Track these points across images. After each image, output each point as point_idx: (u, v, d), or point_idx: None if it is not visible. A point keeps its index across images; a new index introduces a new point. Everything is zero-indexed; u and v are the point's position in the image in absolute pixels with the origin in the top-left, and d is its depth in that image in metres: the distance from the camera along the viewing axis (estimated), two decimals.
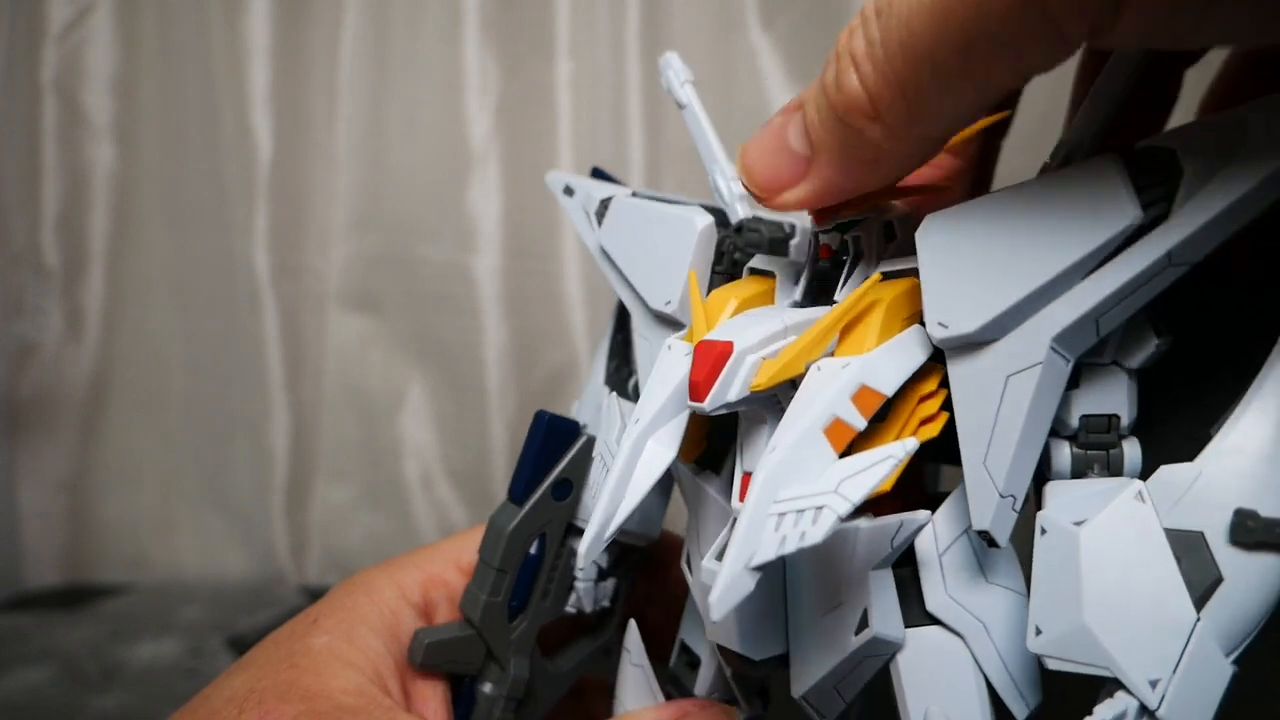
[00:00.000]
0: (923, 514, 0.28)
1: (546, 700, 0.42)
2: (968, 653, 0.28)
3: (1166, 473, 0.26)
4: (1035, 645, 0.25)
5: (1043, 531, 0.26)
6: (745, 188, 0.29)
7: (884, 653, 0.29)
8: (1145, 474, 0.26)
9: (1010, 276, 0.25)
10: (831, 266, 0.33)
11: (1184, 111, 0.37)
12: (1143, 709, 0.24)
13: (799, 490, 0.24)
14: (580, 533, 0.39)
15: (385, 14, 0.77)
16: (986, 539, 0.27)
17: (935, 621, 0.28)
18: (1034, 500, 0.28)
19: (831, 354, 0.28)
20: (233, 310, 0.82)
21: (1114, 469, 0.27)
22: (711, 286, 0.35)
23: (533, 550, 0.39)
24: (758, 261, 0.34)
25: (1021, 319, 0.25)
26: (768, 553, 0.23)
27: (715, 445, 0.36)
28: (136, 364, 0.85)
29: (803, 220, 0.36)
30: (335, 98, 0.79)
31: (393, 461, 0.82)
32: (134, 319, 0.84)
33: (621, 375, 0.42)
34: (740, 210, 0.37)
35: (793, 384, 0.27)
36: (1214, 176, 0.23)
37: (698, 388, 0.27)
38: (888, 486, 0.24)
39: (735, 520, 0.29)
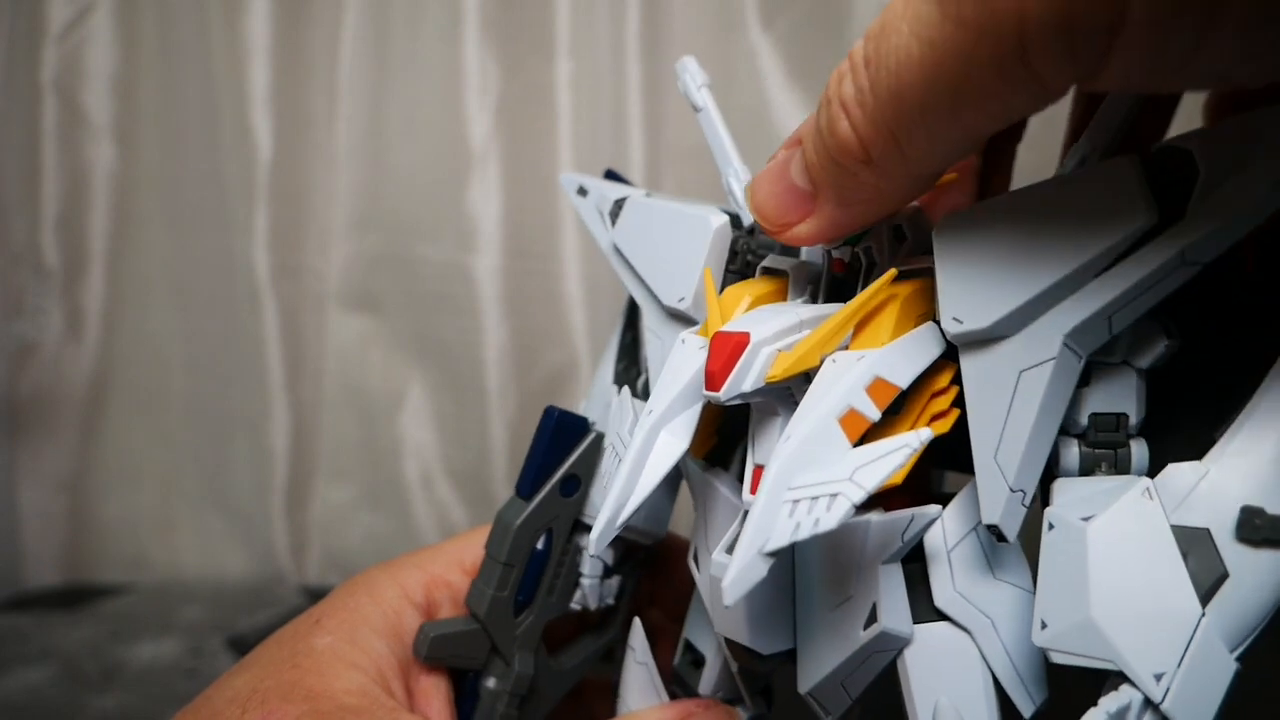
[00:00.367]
0: (934, 508, 0.28)
1: (550, 697, 0.42)
2: (975, 648, 0.28)
3: (1174, 470, 0.26)
4: (1041, 639, 0.26)
5: (1050, 527, 0.26)
6: (757, 222, 0.30)
7: (892, 648, 0.29)
8: (1152, 473, 0.27)
9: (1025, 273, 0.25)
10: (846, 277, 0.33)
11: (1187, 114, 0.37)
12: (1147, 703, 0.24)
13: (813, 477, 0.25)
14: (587, 529, 0.39)
15: (385, 14, 0.77)
16: (995, 533, 0.27)
17: (943, 617, 0.29)
18: (1041, 498, 0.28)
19: (846, 348, 0.28)
20: (233, 310, 0.82)
21: (1121, 468, 0.28)
22: (724, 285, 0.35)
23: (539, 546, 0.39)
24: (770, 261, 0.35)
25: (1035, 315, 0.26)
26: (781, 538, 0.24)
27: (725, 442, 0.36)
28: (136, 364, 0.84)
29: None
30: (335, 98, 0.79)
31: (393, 461, 0.82)
32: (134, 319, 0.84)
33: (630, 375, 0.42)
34: None
35: (806, 377, 0.28)
36: (1229, 178, 0.23)
37: (713, 377, 0.27)
38: (900, 478, 0.24)
39: (744, 514, 0.29)
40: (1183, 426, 0.28)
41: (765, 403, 0.30)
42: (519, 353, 0.79)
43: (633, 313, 0.42)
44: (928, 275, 0.28)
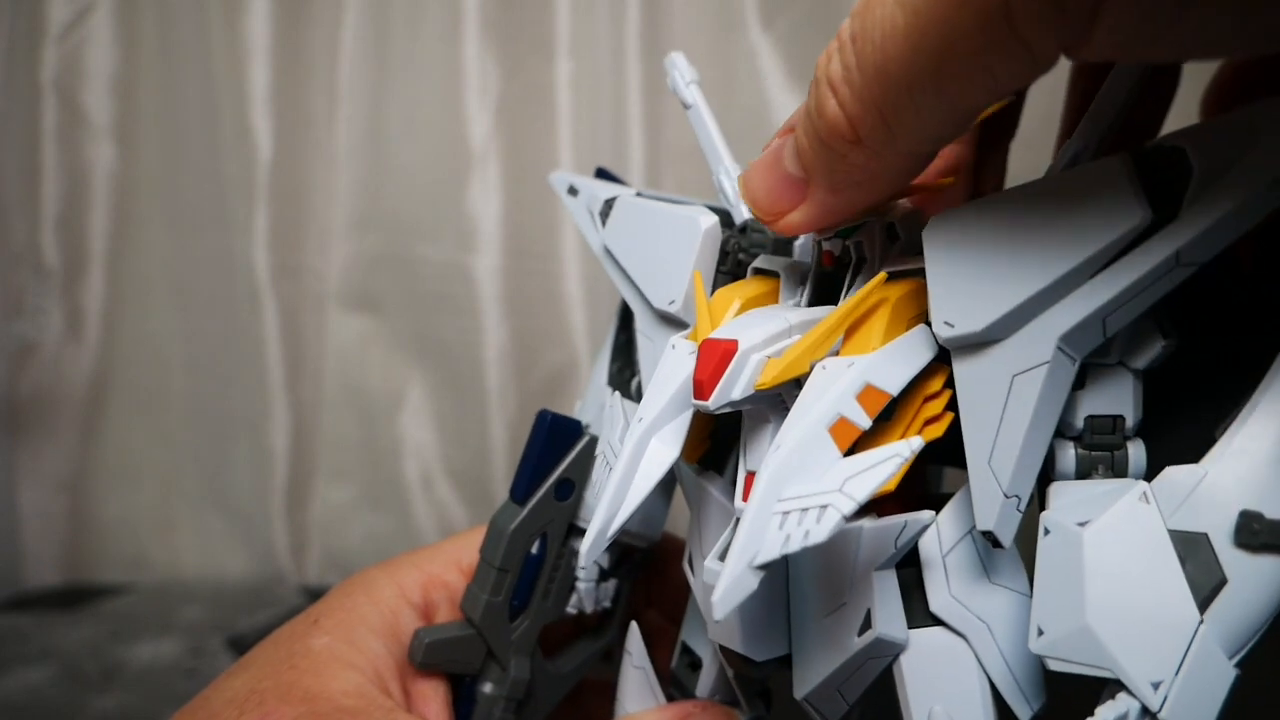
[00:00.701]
0: (927, 514, 0.28)
1: (547, 701, 0.42)
2: (971, 654, 0.28)
3: (1171, 474, 0.26)
4: (1037, 646, 0.25)
5: (1046, 532, 0.26)
6: (750, 211, 0.30)
7: (887, 654, 0.29)
8: (1150, 476, 0.26)
9: (1017, 275, 0.25)
10: (835, 271, 0.32)
11: (1183, 111, 0.37)
12: (1144, 710, 0.23)
13: (803, 489, 0.24)
14: (582, 533, 0.39)
15: (385, 14, 0.77)
16: (990, 540, 0.27)
17: (939, 622, 0.28)
18: (1037, 501, 0.28)
19: (836, 353, 0.28)
20: (233, 310, 0.82)
21: (1119, 470, 0.27)
22: (716, 286, 0.35)
23: (534, 550, 0.39)
24: (762, 261, 0.34)
25: (1028, 318, 0.25)
26: (771, 551, 0.23)
27: (719, 445, 0.36)
28: (136, 364, 0.84)
29: None
30: (335, 98, 0.79)
31: (393, 461, 0.82)
32: (134, 319, 0.84)
33: (624, 376, 0.42)
34: (744, 210, 0.37)
35: (797, 383, 0.27)
36: (1224, 176, 0.23)
37: (701, 386, 0.27)
38: (892, 486, 0.24)
39: (737, 520, 0.29)
40: (1181, 428, 0.27)
41: (756, 410, 0.29)
42: (519, 353, 0.79)
43: (627, 313, 0.42)
44: (920, 276, 0.28)
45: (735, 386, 0.27)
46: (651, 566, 0.44)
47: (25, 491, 0.84)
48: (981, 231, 0.26)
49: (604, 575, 0.41)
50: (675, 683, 0.39)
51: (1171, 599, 0.24)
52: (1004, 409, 0.26)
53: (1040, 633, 0.25)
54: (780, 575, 0.31)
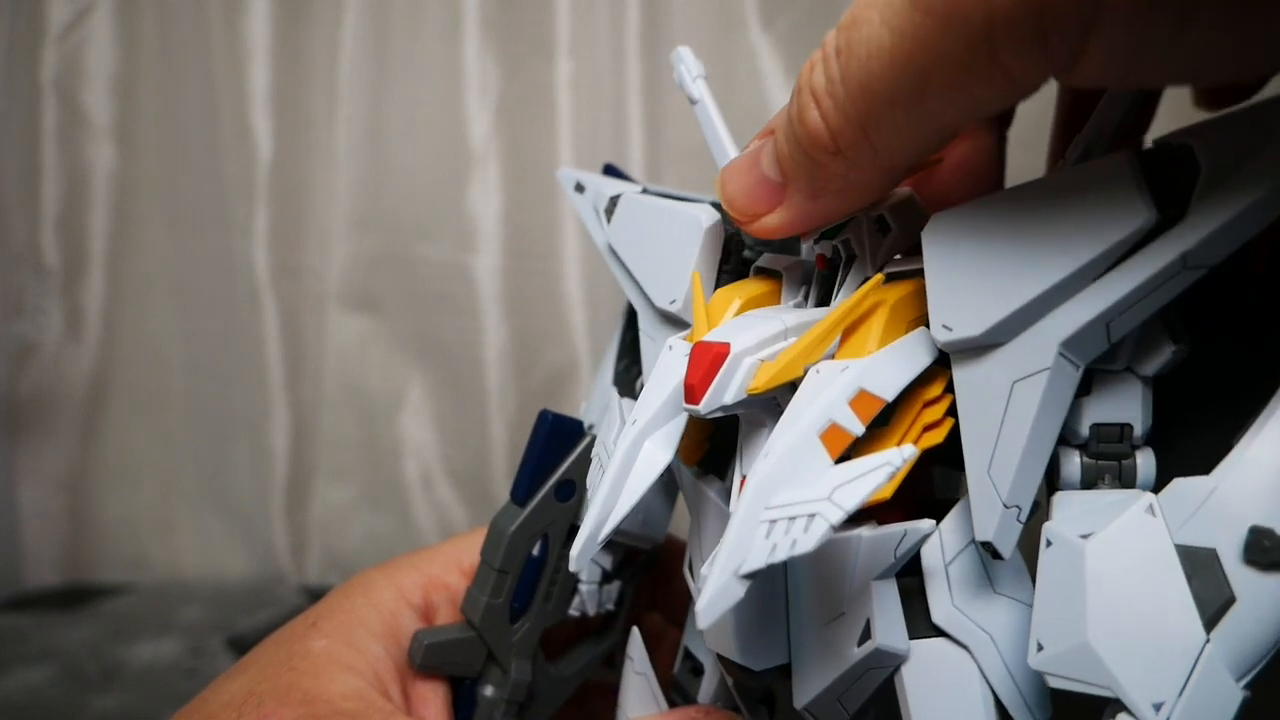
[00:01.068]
0: (927, 524, 0.27)
1: (549, 704, 0.42)
2: (974, 666, 0.27)
3: (1180, 485, 0.25)
4: (1036, 661, 0.25)
5: (1048, 544, 0.25)
6: (726, 211, 0.29)
7: (888, 664, 0.28)
8: (1159, 486, 0.25)
9: (1017, 278, 0.24)
10: (830, 273, 0.32)
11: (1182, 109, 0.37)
12: None
13: (792, 496, 0.24)
14: None
15: (385, 14, 0.77)
16: (990, 551, 0.26)
17: (941, 633, 0.28)
18: (1045, 510, 0.27)
19: (832, 357, 0.27)
20: (233, 310, 0.82)
21: (1126, 480, 0.26)
22: (719, 285, 0.34)
23: (536, 552, 0.39)
24: (765, 260, 0.34)
25: (1029, 323, 0.25)
26: (758, 561, 0.23)
27: (719, 448, 0.36)
28: (136, 364, 0.84)
29: None
30: (335, 98, 0.79)
31: (393, 461, 0.82)
32: (134, 319, 0.84)
33: (630, 375, 0.42)
34: None
35: (792, 387, 0.27)
36: (1233, 175, 0.22)
37: (692, 390, 0.27)
38: (888, 494, 0.23)
39: None
40: (1196, 437, 0.26)
41: (752, 413, 0.29)
42: (519, 353, 0.79)
43: (633, 311, 0.41)
44: (920, 277, 0.27)
45: (727, 391, 0.27)
46: (656, 569, 0.44)
47: (25, 491, 0.84)
48: (982, 232, 0.25)
49: (607, 578, 0.41)
50: (677, 688, 0.38)
51: (1176, 616, 0.23)
52: (1004, 416, 0.25)
53: (1040, 648, 0.24)
54: (779, 583, 0.31)
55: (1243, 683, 0.23)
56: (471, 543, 0.40)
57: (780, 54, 0.70)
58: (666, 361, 0.30)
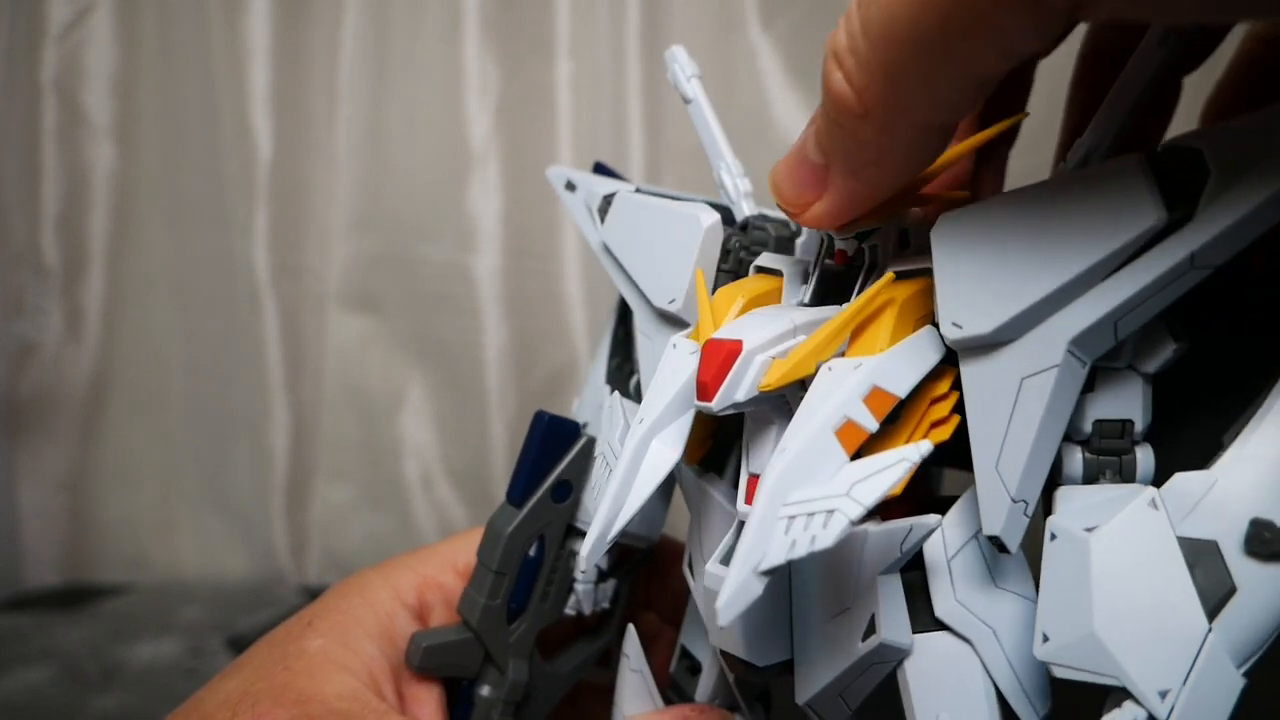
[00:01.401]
0: (933, 518, 0.27)
1: (546, 702, 0.42)
2: (976, 659, 0.27)
3: (1181, 480, 0.25)
4: (1042, 652, 0.25)
5: (1053, 537, 0.26)
6: (780, 208, 0.29)
7: (891, 659, 0.28)
8: (1158, 481, 0.26)
9: (1028, 277, 0.25)
10: (845, 271, 0.32)
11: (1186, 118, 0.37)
12: (1151, 719, 0.23)
13: (809, 493, 0.24)
14: (580, 534, 0.39)
15: (385, 14, 0.77)
16: (997, 544, 0.26)
17: (943, 627, 0.28)
18: (1043, 506, 0.27)
19: (842, 354, 0.27)
20: (233, 310, 0.82)
21: (1126, 475, 0.27)
22: (717, 285, 0.35)
23: (532, 552, 0.39)
24: (765, 259, 0.34)
25: (1038, 320, 0.25)
26: (777, 556, 0.23)
27: (719, 447, 0.36)
28: (136, 364, 0.84)
29: None
30: (335, 98, 0.79)
31: (393, 461, 0.82)
32: (134, 319, 0.84)
33: (624, 372, 0.42)
34: (745, 207, 0.37)
35: (801, 385, 0.27)
36: (1241, 178, 0.22)
37: (705, 387, 0.27)
38: (899, 490, 0.24)
39: (739, 524, 0.29)
40: (1190, 433, 0.27)
41: (760, 411, 0.29)
42: (519, 353, 0.79)
43: (626, 308, 0.41)
44: (927, 276, 0.28)
45: (739, 388, 0.27)
46: (650, 568, 0.44)
47: (25, 491, 0.84)
48: (992, 231, 0.25)
49: (602, 576, 0.41)
50: (674, 686, 0.38)
51: (1180, 607, 0.23)
52: (1012, 412, 0.25)
53: (1045, 639, 0.25)
54: (783, 580, 0.31)
55: (1242, 670, 0.24)
56: (467, 542, 0.40)
57: (780, 54, 0.70)
58: (672, 360, 0.30)
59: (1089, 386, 0.27)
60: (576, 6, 0.74)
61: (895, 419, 0.27)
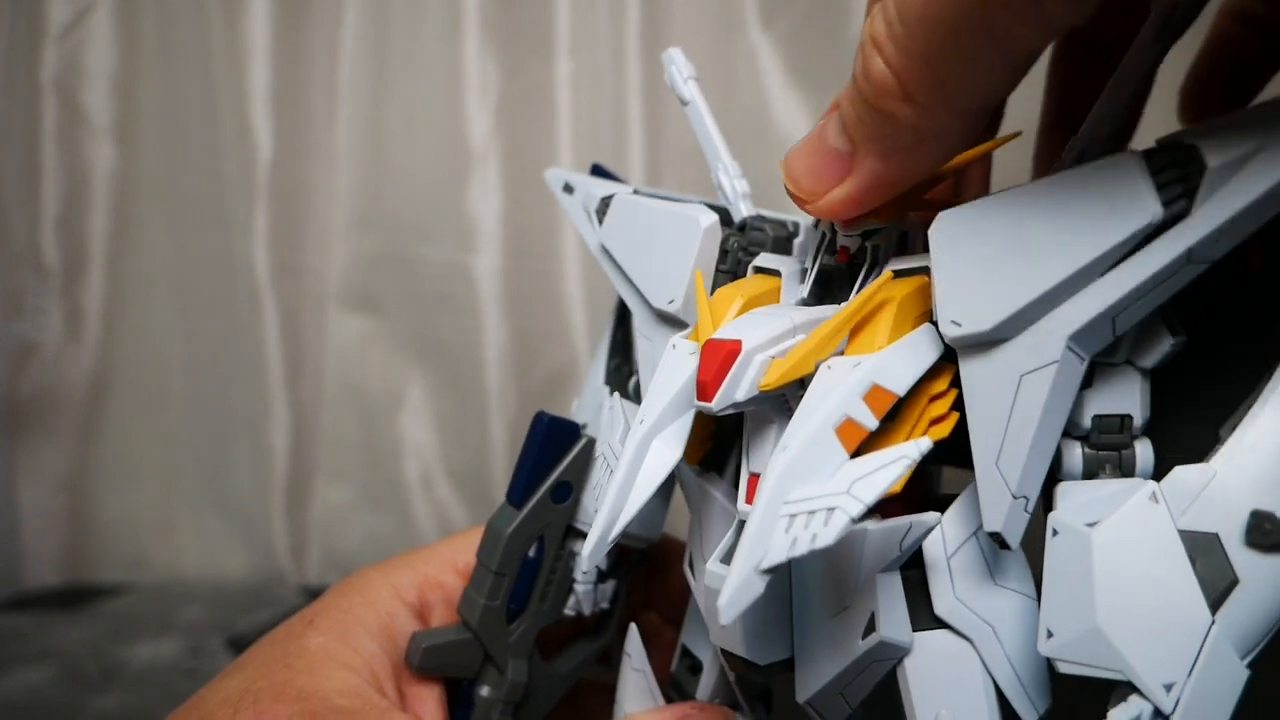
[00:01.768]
0: (932, 516, 0.27)
1: (545, 702, 0.42)
2: (976, 657, 0.27)
3: (1180, 473, 0.25)
4: (1047, 648, 0.25)
5: (1054, 533, 0.26)
6: (791, 196, 0.29)
7: (891, 657, 0.28)
8: (1158, 475, 0.26)
9: (1026, 273, 0.25)
10: (848, 268, 0.32)
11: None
12: (1156, 713, 0.23)
13: (810, 491, 0.24)
14: (580, 535, 0.39)
15: (385, 14, 0.77)
16: (998, 541, 0.26)
17: (943, 625, 0.28)
18: (1043, 502, 0.28)
19: (841, 353, 0.28)
20: (233, 310, 0.82)
21: (1126, 470, 0.27)
22: (715, 285, 0.35)
23: (532, 553, 0.39)
24: (763, 260, 0.34)
25: (1037, 317, 0.25)
26: (778, 555, 0.23)
27: (720, 446, 0.36)
28: (136, 364, 0.84)
29: (806, 219, 0.36)
30: (335, 98, 0.79)
31: (393, 461, 0.82)
32: (134, 319, 0.84)
33: (622, 374, 0.42)
34: (743, 208, 0.37)
35: (801, 384, 0.27)
36: (1237, 173, 0.22)
37: (705, 387, 0.27)
38: (899, 488, 0.24)
39: (740, 523, 0.29)
40: (1189, 427, 0.27)
41: (760, 411, 0.29)
42: (519, 353, 0.79)
43: (624, 310, 0.41)
44: (925, 273, 0.28)
45: (739, 388, 0.27)
46: (651, 568, 0.44)
47: (25, 491, 0.84)
48: (988, 229, 0.26)
49: (602, 577, 0.41)
50: (675, 685, 0.38)
51: (1183, 600, 0.24)
52: (1011, 409, 0.25)
53: (1050, 635, 0.25)
54: (784, 578, 0.31)
55: (1246, 660, 0.24)
56: (468, 542, 0.40)
57: (780, 54, 0.70)
58: (671, 361, 0.30)
59: (1087, 382, 0.27)
60: (576, 6, 0.74)
61: (895, 416, 0.27)
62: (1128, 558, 0.24)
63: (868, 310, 0.28)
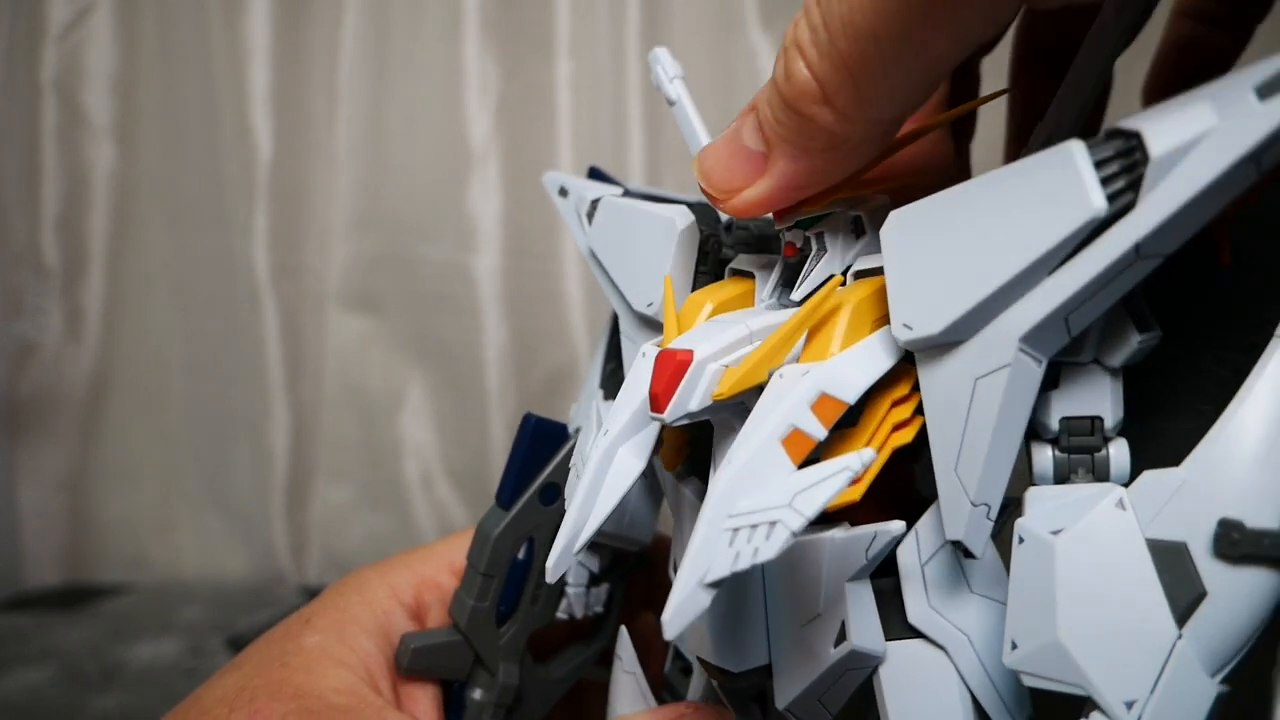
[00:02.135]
0: (897, 525, 0.27)
1: (539, 707, 0.41)
2: (951, 666, 0.27)
3: (1150, 478, 0.24)
4: (1011, 660, 0.24)
5: (1020, 540, 0.25)
6: (704, 193, 0.29)
7: (865, 665, 0.28)
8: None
9: (973, 275, 0.24)
10: (798, 263, 0.31)
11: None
12: None
13: (754, 503, 0.23)
14: None
15: (385, 14, 0.77)
16: (962, 550, 0.26)
17: (917, 634, 0.27)
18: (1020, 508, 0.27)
19: (798, 358, 0.27)
20: (233, 310, 0.82)
21: (1100, 473, 0.26)
22: (697, 286, 0.34)
23: (521, 555, 0.39)
24: (738, 262, 0.34)
25: (987, 319, 0.24)
26: (721, 569, 0.23)
27: (701, 450, 0.36)
28: (136, 364, 0.84)
29: None
30: (335, 98, 0.79)
31: (393, 461, 0.82)
32: (134, 319, 0.84)
33: (617, 378, 0.42)
34: None
35: (760, 390, 0.27)
36: (1183, 160, 0.21)
37: (657, 399, 0.26)
38: (857, 496, 0.23)
39: None
40: (1172, 424, 0.26)
41: (724, 418, 0.29)
42: (519, 353, 0.79)
43: None
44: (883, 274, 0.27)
45: (691, 399, 0.26)
46: (649, 569, 0.44)
47: (25, 491, 0.84)
48: (938, 228, 0.25)
49: (595, 580, 0.41)
50: (668, 687, 0.38)
51: (1147, 612, 0.23)
52: (968, 414, 0.24)
53: (1014, 646, 0.24)
54: (756, 585, 0.30)
55: (1218, 677, 0.23)
56: (465, 542, 0.40)
57: None
58: (640, 369, 0.30)
59: (1053, 383, 0.26)
60: (576, 6, 0.74)
61: (855, 421, 0.27)
62: (1092, 567, 0.23)
63: (822, 315, 0.27)
